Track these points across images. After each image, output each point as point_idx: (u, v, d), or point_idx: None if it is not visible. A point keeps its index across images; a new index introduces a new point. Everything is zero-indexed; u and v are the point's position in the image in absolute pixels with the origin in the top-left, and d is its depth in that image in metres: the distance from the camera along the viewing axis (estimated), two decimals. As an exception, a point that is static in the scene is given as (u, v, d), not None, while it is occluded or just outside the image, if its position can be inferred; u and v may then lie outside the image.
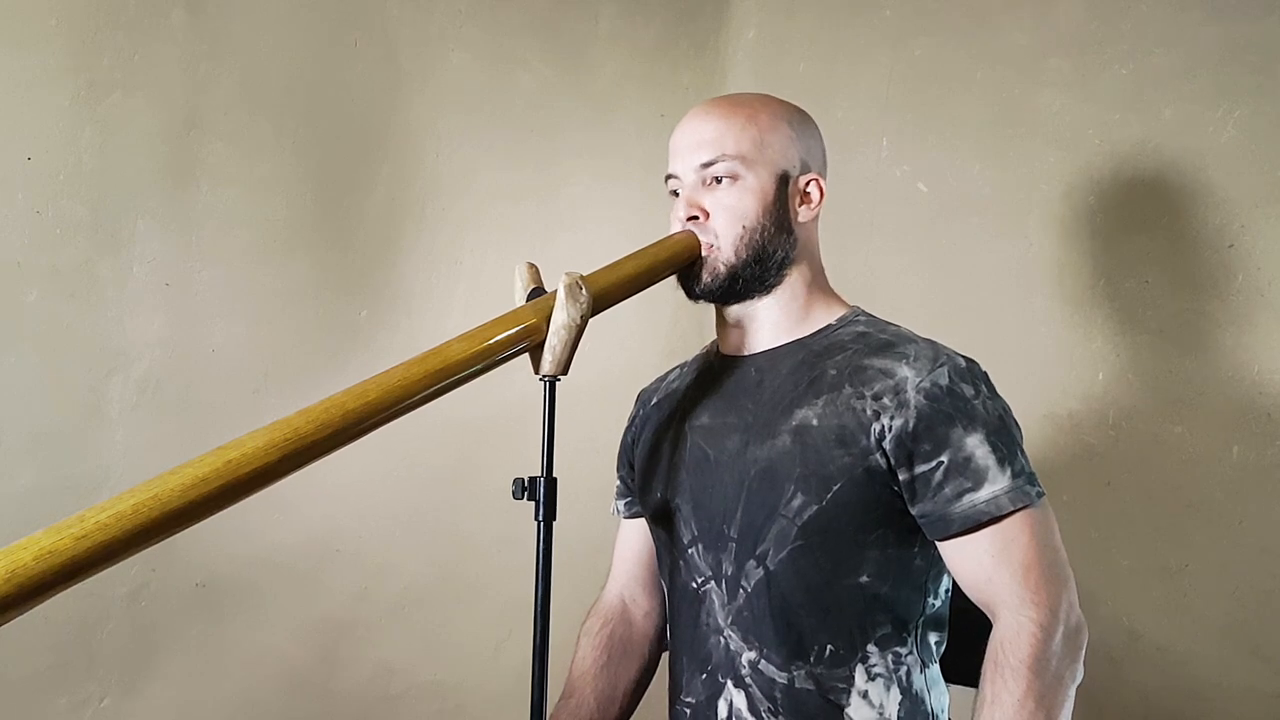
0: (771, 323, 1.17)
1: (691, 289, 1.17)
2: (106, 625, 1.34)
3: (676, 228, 1.17)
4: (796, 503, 1.07)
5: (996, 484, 1.02)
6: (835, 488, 1.05)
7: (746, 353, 1.19)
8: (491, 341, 1.04)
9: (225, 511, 0.85)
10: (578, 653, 1.28)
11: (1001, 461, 1.03)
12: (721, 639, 1.11)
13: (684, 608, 1.17)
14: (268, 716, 1.52)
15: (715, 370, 1.22)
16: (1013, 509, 1.01)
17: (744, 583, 1.10)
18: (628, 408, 1.38)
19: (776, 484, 1.08)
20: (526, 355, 1.09)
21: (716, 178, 1.14)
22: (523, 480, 1.06)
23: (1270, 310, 1.50)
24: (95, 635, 1.34)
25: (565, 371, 1.09)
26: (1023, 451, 1.06)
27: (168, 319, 1.37)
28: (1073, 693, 1.00)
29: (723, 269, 1.14)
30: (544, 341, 1.08)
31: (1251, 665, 1.50)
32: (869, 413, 1.06)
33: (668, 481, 1.19)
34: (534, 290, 1.13)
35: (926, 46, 1.83)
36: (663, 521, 1.19)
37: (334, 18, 1.52)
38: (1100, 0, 1.65)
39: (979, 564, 1.03)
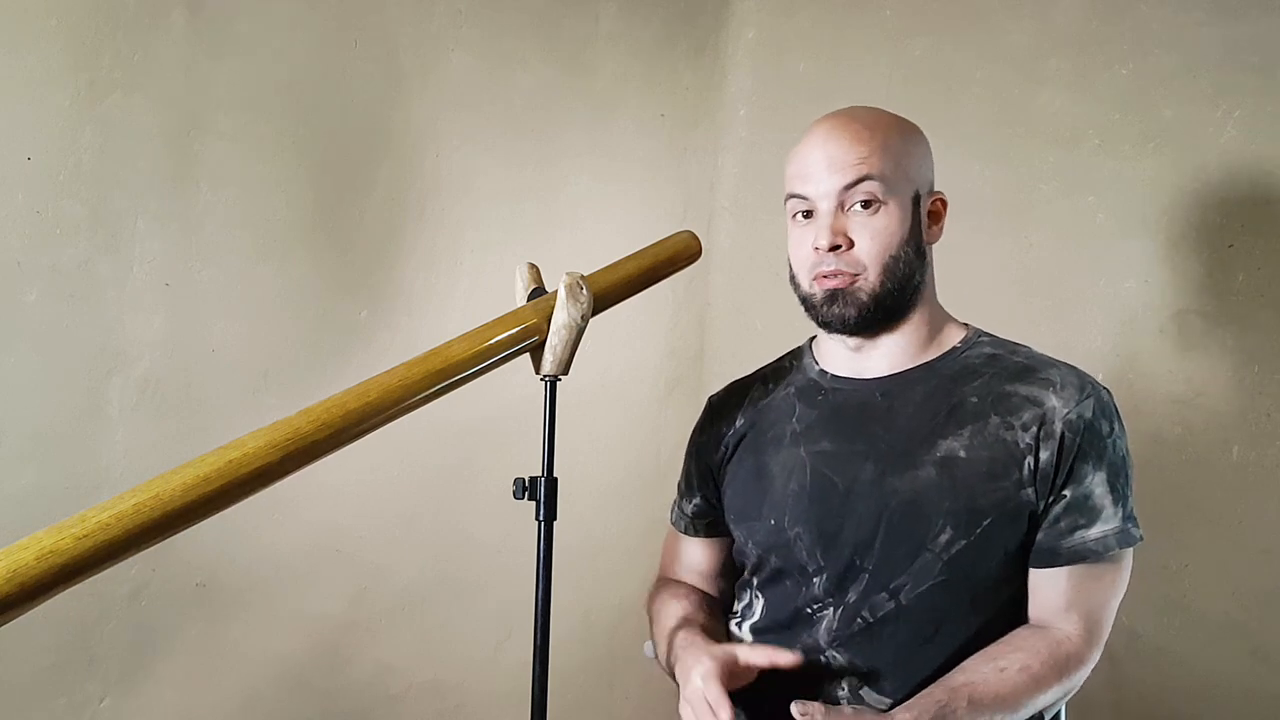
0: (898, 347, 1.13)
1: (829, 322, 1.11)
2: (106, 625, 1.34)
3: (806, 254, 1.10)
4: (944, 537, 1.04)
5: (1108, 524, 1.04)
6: (985, 522, 1.04)
7: (868, 376, 1.14)
8: (492, 341, 1.04)
9: (225, 511, 0.85)
10: (672, 607, 1.19)
11: (1116, 501, 1.05)
12: (822, 658, 1.08)
13: (783, 625, 1.13)
14: (268, 716, 1.51)
15: (828, 392, 1.17)
16: (1116, 549, 1.04)
17: (865, 613, 1.07)
18: (628, 408, 1.36)
19: (922, 517, 1.05)
20: (527, 355, 1.09)
21: (862, 202, 1.07)
22: (523, 480, 1.06)
23: (1270, 310, 1.50)
24: (95, 635, 1.34)
25: (566, 371, 1.09)
26: (1132, 489, 1.07)
27: (168, 319, 1.37)
28: (1055, 698, 1.05)
29: (867, 300, 1.08)
30: (545, 341, 1.08)
31: (1251, 665, 1.50)
32: (1021, 445, 1.04)
33: (783, 508, 1.13)
34: (534, 290, 1.13)
35: (926, 46, 1.83)
36: (775, 549, 1.14)
37: (334, 18, 1.52)
38: (1100, 0, 1.65)
39: (1060, 594, 1.05)
